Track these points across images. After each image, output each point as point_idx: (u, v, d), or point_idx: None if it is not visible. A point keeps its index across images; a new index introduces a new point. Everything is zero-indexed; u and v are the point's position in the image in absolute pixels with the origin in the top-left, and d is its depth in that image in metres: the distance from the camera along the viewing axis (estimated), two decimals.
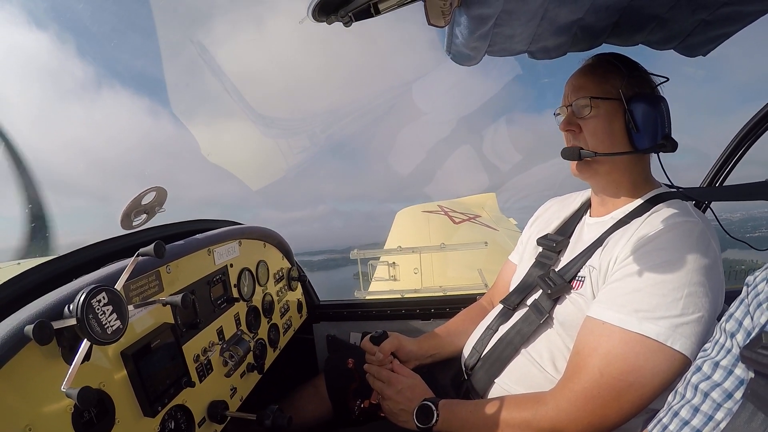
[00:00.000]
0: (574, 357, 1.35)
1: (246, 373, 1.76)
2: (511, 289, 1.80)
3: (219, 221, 1.98)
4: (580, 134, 1.54)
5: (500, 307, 1.76)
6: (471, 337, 1.81)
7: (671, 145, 1.48)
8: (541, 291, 1.58)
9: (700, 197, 1.50)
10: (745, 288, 0.99)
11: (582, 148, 1.52)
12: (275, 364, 2.03)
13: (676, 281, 1.21)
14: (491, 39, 1.41)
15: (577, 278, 1.51)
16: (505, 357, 1.58)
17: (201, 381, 1.47)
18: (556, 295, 1.51)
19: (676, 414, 0.99)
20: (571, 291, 1.49)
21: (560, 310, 1.50)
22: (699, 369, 0.99)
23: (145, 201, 1.34)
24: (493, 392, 1.59)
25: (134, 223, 1.38)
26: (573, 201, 1.89)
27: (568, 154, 1.56)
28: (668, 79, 1.56)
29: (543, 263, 1.72)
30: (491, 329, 1.71)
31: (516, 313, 1.68)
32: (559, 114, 1.62)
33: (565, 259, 1.64)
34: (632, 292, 1.26)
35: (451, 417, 1.48)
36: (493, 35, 1.38)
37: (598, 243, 1.50)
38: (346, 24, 1.15)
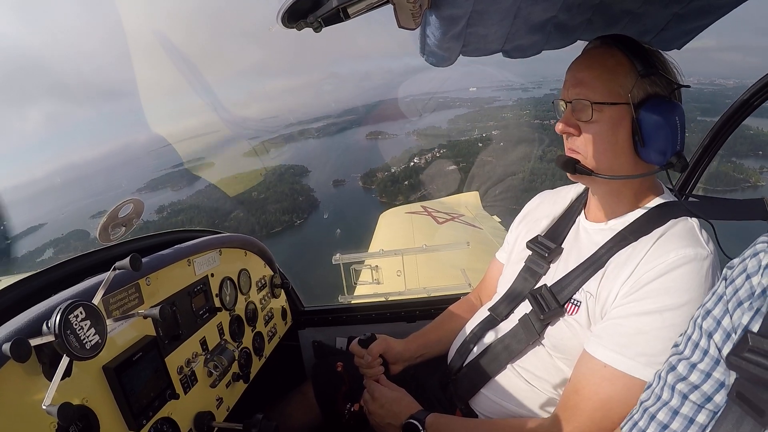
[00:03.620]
0: (572, 395, 1.30)
1: (232, 383, 1.75)
2: (499, 291, 1.76)
3: (198, 231, 1.97)
4: (579, 137, 1.40)
5: (486, 313, 1.71)
6: (456, 339, 1.81)
7: (681, 165, 1.34)
8: (531, 307, 1.51)
9: (704, 215, 1.37)
10: (722, 282, 0.96)
11: (578, 162, 1.41)
12: (261, 373, 2.02)
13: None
14: (465, 39, 1.41)
15: (572, 302, 1.42)
16: (492, 370, 1.55)
17: (186, 392, 1.46)
18: (548, 321, 1.45)
19: (653, 417, 0.98)
20: (566, 315, 1.42)
21: (553, 333, 1.45)
22: (673, 368, 0.98)
23: (122, 214, 1.34)
24: (478, 402, 1.59)
25: (112, 237, 1.37)
26: (564, 196, 1.77)
27: (563, 164, 1.44)
28: (689, 87, 1.40)
29: (533, 270, 1.63)
30: (475, 335, 1.68)
31: (503, 325, 1.63)
32: (559, 103, 1.45)
33: (557, 269, 1.55)
34: (637, 333, 1.20)
35: None
36: (466, 35, 1.38)
37: (598, 263, 1.39)
38: (316, 29, 1.16)
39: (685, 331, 1.02)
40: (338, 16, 1.13)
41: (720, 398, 0.89)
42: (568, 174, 1.45)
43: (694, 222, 1.34)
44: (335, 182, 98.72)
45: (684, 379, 0.94)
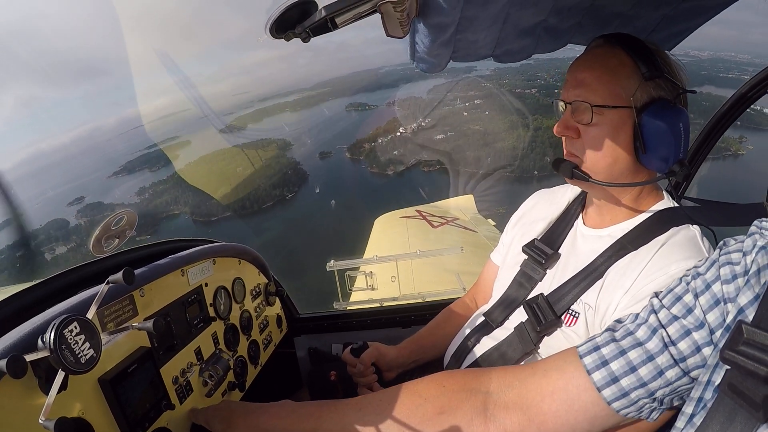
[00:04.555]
0: None
1: (228, 392, 1.75)
2: (494, 295, 1.74)
3: (191, 240, 1.98)
4: (578, 140, 1.36)
5: (482, 318, 1.69)
6: (452, 344, 1.79)
7: (683, 174, 1.30)
8: (527, 316, 1.48)
9: (705, 221, 1.33)
10: (717, 250, 0.98)
11: (576, 166, 1.37)
12: (257, 381, 2.02)
13: None
14: (455, 45, 1.42)
15: (570, 312, 1.39)
16: None
17: (181, 403, 1.46)
18: (544, 332, 1.42)
19: (622, 352, 1.00)
20: (563, 326, 1.39)
21: (551, 344, 1.42)
22: (654, 312, 1.00)
23: (115, 226, 1.34)
24: None
25: (106, 248, 1.38)
26: (561, 197, 1.72)
27: (560, 168, 1.40)
28: (695, 92, 1.36)
29: (529, 276, 1.60)
30: (471, 341, 1.66)
31: (498, 332, 1.60)
32: (558, 104, 1.40)
33: (555, 277, 1.52)
34: None
35: None
36: (456, 42, 1.39)
37: (596, 273, 1.35)
38: (305, 40, 1.17)
39: (668, 285, 1.04)
40: (326, 26, 1.15)
41: (693, 362, 0.92)
42: (565, 178, 1.42)
43: (695, 230, 1.30)
44: (321, 154, 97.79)
45: (664, 327, 0.96)
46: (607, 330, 1.07)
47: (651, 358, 0.96)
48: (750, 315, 0.83)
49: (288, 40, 1.18)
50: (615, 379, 0.98)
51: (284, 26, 1.14)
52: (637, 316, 1.05)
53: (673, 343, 0.94)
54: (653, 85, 1.28)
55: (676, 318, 0.96)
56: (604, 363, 1.00)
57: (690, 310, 0.95)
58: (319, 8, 1.10)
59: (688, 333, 0.93)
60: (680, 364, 0.94)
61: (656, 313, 1.00)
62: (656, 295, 1.05)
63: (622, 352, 0.99)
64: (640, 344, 0.99)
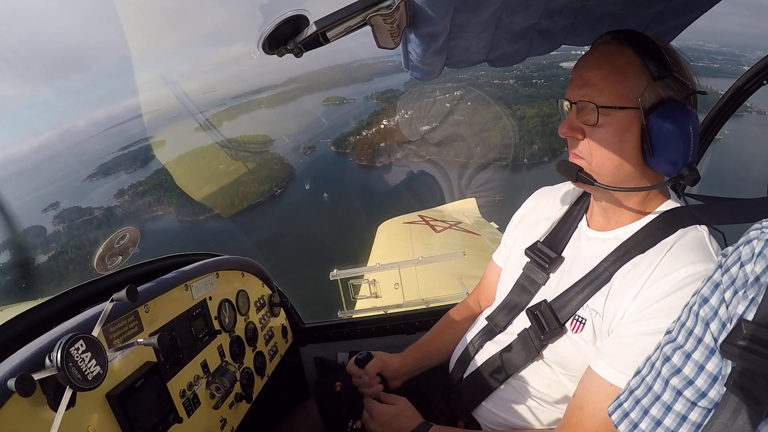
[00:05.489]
0: (576, 411, 1.27)
1: (235, 404, 1.76)
2: (497, 298, 1.72)
3: (194, 254, 1.99)
4: (583, 141, 1.31)
5: (485, 322, 1.68)
6: (456, 349, 1.79)
7: (692, 178, 1.24)
8: (530, 323, 1.46)
9: (713, 221, 1.29)
10: (718, 270, 0.95)
11: (581, 169, 1.32)
12: (264, 392, 2.03)
13: None
14: (448, 53, 1.43)
15: (575, 318, 1.36)
16: (492, 383, 1.53)
17: (189, 416, 1.48)
18: (548, 341, 1.40)
19: (646, 412, 0.97)
20: (569, 332, 1.37)
21: (558, 350, 1.40)
22: (668, 359, 0.97)
23: (117, 243, 1.36)
24: (481, 414, 1.58)
25: (109, 266, 1.40)
26: (564, 197, 1.67)
27: (564, 170, 1.36)
28: (706, 93, 1.31)
29: (531, 280, 1.57)
30: (474, 346, 1.65)
31: (501, 337, 1.59)
32: (563, 103, 1.35)
33: (559, 281, 1.48)
34: (642, 354, 1.08)
35: None
36: (449, 49, 1.40)
37: (602, 278, 1.32)
38: (297, 55, 1.19)
39: (678, 318, 0.99)
40: (318, 40, 1.17)
41: (714, 393, 0.89)
42: (570, 181, 1.38)
43: (704, 231, 1.27)
44: (305, 149, 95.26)
45: (678, 371, 0.93)
46: (628, 390, 1.05)
47: (669, 408, 0.94)
48: (750, 316, 0.82)
49: (281, 56, 1.20)
50: None
51: (277, 42, 1.16)
52: (652, 366, 1.02)
53: (690, 383, 0.92)
54: (662, 85, 1.23)
55: (689, 356, 0.94)
56: (635, 426, 0.99)
57: (700, 341, 0.93)
58: (311, 23, 1.12)
59: (702, 368, 0.91)
60: (701, 402, 0.91)
61: (669, 361, 0.97)
62: (668, 331, 1.02)
63: (645, 412, 0.98)
64: (657, 398, 0.97)
